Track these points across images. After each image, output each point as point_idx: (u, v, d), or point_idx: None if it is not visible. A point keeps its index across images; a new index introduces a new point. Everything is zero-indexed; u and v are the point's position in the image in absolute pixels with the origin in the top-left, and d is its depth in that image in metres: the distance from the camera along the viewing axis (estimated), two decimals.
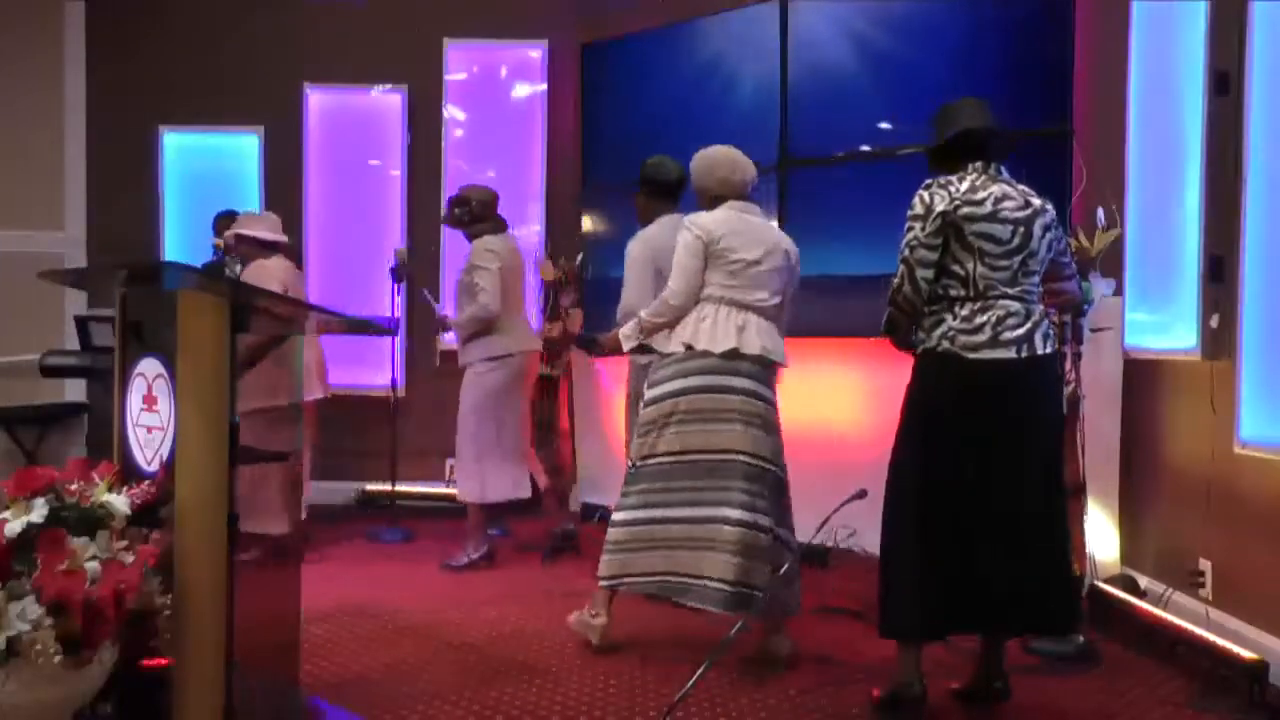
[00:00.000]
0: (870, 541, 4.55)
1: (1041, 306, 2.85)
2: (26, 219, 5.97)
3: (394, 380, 5.35)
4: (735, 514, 3.10)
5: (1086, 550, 3.80)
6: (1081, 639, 3.37)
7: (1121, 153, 3.89)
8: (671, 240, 3.37)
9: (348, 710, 2.82)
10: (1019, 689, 3.05)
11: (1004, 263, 2.75)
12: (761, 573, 3.07)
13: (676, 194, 3.99)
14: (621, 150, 5.67)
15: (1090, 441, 3.81)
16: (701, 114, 5.25)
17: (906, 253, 2.79)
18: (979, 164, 2.84)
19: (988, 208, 2.74)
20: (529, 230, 6.00)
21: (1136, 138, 3.85)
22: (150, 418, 2.34)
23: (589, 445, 5.93)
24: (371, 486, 5.84)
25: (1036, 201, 2.83)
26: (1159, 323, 3.76)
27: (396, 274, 5.17)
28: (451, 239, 5.98)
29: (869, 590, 4.07)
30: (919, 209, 2.79)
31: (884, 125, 4.63)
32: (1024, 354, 2.73)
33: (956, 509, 2.72)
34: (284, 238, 4.75)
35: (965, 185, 2.78)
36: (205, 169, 6.07)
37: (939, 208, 2.75)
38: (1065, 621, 2.91)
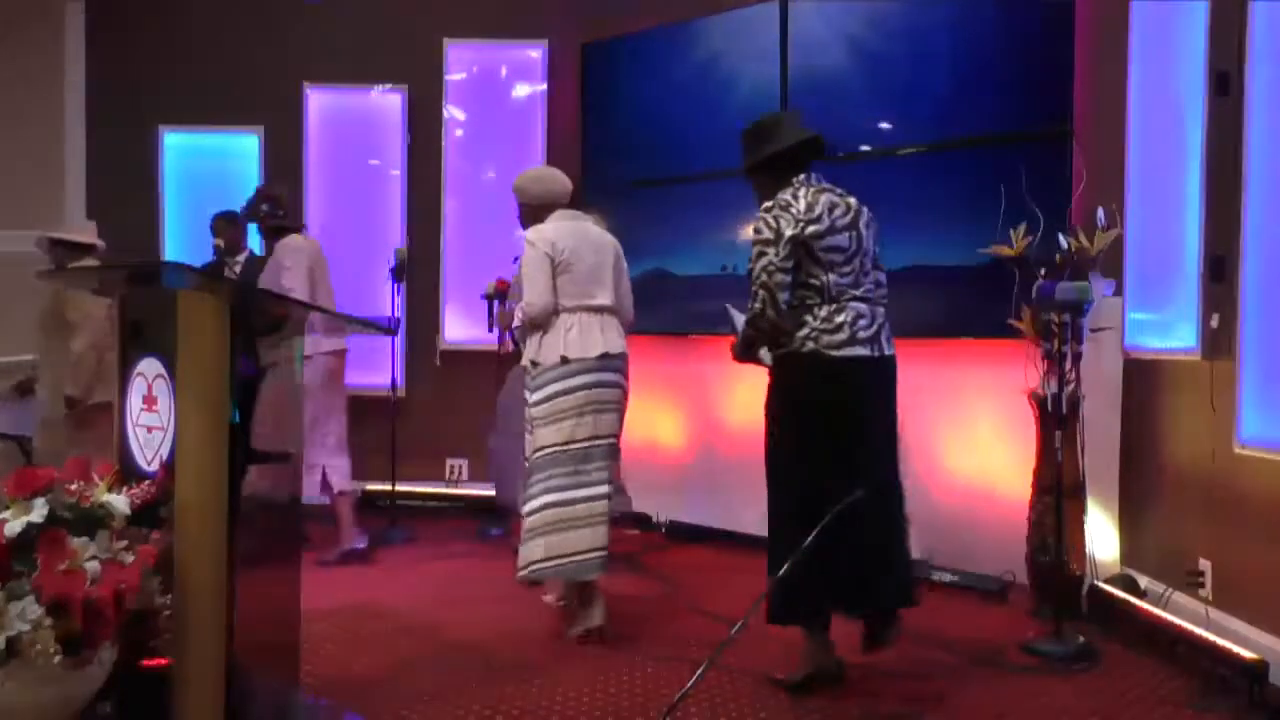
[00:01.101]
0: None
1: (883, 308, 3.09)
2: (26, 219, 5.96)
3: (394, 380, 5.35)
4: (603, 490, 3.55)
5: (1086, 550, 3.81)
6: (1081, 639, 3.37)
7: (1121, 153, 3.89)
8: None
9: (348, 710, 2.83)
10: (1020, 689, 3.06)
11: (848, 268, 3.02)
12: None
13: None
14: (621, 150, 5.67)
15: (1090, 441, 3.82)
16: (701, 114, 5.26)
17: (765, 278, 2.97)
18: (802, 176, 3.07)
19: (826, 223, 2.99)
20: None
21: (1136, 138, 3.85)
22: (150, 418, 2.34)
23: None
24: (371, 486, 5.84)
25: (853, 201, 3.09)
26: (1159, 323, 3.76)
27: (396, 274, 5.17)
28: (452, 239, 5.98)
29: None
30: (768, 234, 2.97)
31: (884, 125, 4.63)
32: (876, 353, 3.01)
33: (836, 496, 2.86)
34: (99, 242, 4.74)
35: (802, 204, 2.99)
36: (205, 169, 6.07)
37: (788, 232, 2.95)
38: (912, 597, 3.09)
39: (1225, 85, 3.28)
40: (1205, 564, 3.45)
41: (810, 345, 2.98)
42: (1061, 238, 3.80)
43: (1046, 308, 3.58)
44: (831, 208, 3.02)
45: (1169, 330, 3.68)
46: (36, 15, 6.07)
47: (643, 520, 5.37)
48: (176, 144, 6.10)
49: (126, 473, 2.35)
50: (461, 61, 6.02)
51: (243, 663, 2.27)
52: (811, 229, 2.96)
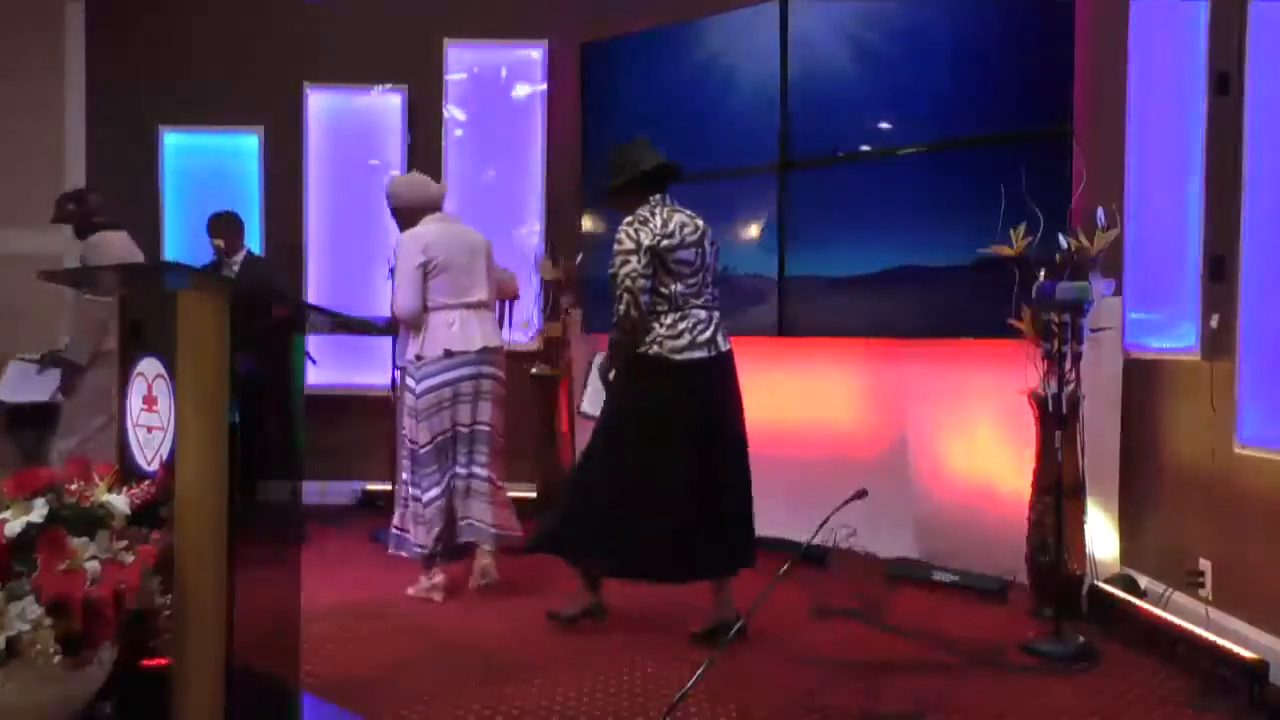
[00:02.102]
0: (870, 541, 4.59)
1: (719, 312, 3.54)
2: (27, 219, 5.96)
3: (394, 380, 5.35)
4: (484, 471, 4.03)
5: (1086, 550, 3.81)
6: (1081, 639, 3.38)
7: (1121, 153, 3.88)
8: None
9: (348, 710, 2.82)
10: (1020, 689, 3.06)
11: (693, 280, 3.46)
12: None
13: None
14: None
15: (1090, 441, 3.82)
16: (701, 114, 5.26)
17: (629, 283, 3.38)
18: (658, 196, 3.52)
19: (678, 238, 3.43)
20: (529, 230, 6.00)
21: (1136, 138, 3.85)
22: (150, 418, 2.34)
23: None
24: (371, 486, 5.84)
25: (700, 222, 3.54)
26: (1159, 322, 3.76)
27: (396, 274, 5.15)
28: None
29: (869, 590, 4.10)
30: (630, 245, 3.39)
31: (884, 126, 4.63)
32: (713, 353, 3.45)
33: (686, 478, 3.37)
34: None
35: (659, 220, 3.43)
36: (205, 169, 6.07)
37: (646, 243, 3.38)
38: (752, 559, 3.57)
39: (1225, 85, 3.28)
40: (1205, 564, 3.45)
41: (656, 349, 3.41)
42: (1061, 238, 3.80)
43: (1046, 308, 3.58)
44: (682, 226, 3.46)
45: (1169, 330, 3.68)
46: (36, 15, 6.07)
47: None
48: (176, 144, 6.10)
49: (126, 473, 2.35)
50: (461, 61, 6.02)
51: (243, 663, 2.27)
52: (665, 242, 3.39)
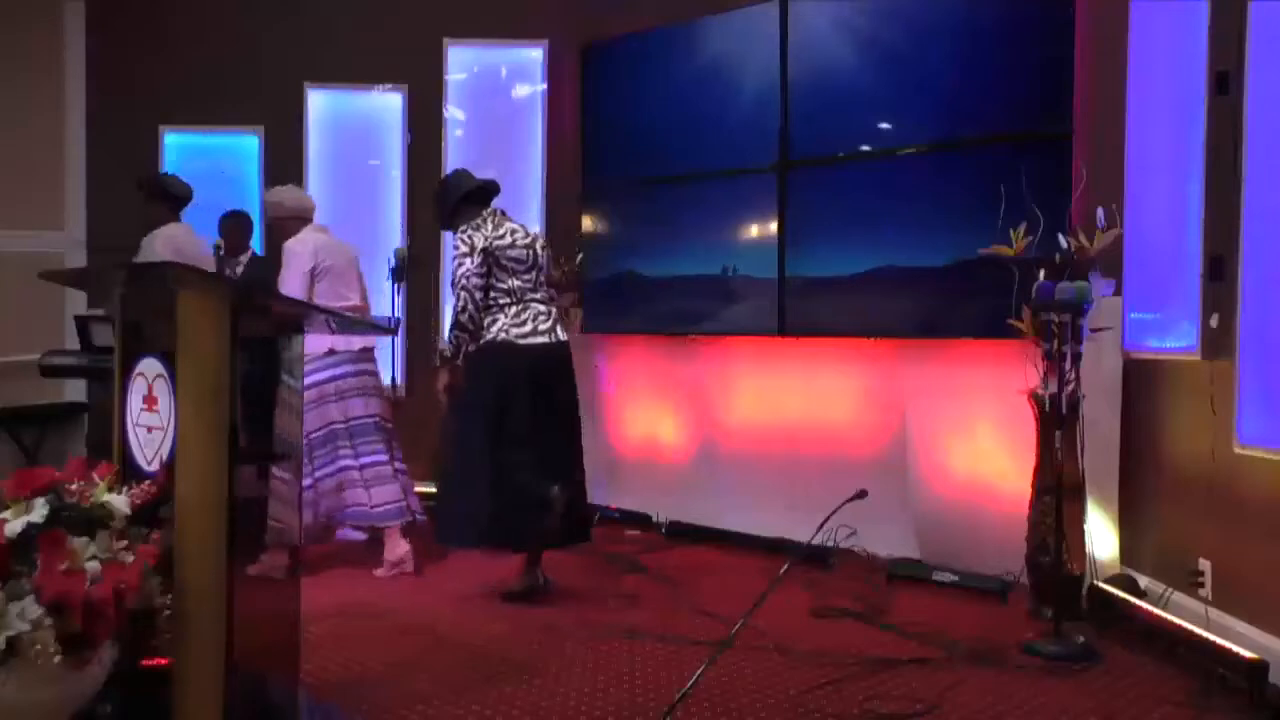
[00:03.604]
0: (870, 541, 4.59)
1: (556, 308, 4.07)
2: (26, 219, 5.96)
3: (394, 380, 5.35)
4: (382, 457, 4.39)
5: (1086, 550, 3.81)
6: (1081, 639, 3.38)
7: (1121, 153, 3.88)
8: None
9: (348, 710, 2.83)
10: (1020, 689, 3.06)
11: (528, 276, 3.98)
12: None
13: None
14: (621, 150, 5.67)
15: (1090, 441, 3.82)
16: (701, 114, 5.26)
17: (465, 282, 3.86)
18: (488, 210, 4.04)
19: (508, 240, 3.97)
20: None
21: (1136, 138, 3.85)
22: (150, 418, 2.34)
23: (589, 445, 5.92)
24: None
25: (534, 230, 4.23)
26: (1159, 323, 3.76)
27: (396, 274, 5.17)
28: (452, 239, 5.97)
29: (870, 590, 4.11)
30: (465, 248, 3.89)
31: (884, 126, 4.63)
32: (553, 340, 3.97)
33: (531, 453, 3.82)
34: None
35: (490, 226, 3.96)
36: (205, 169, 6.06)
37: (480, 245, 3.89)
38: (589, 534, 4.13)
39: (1225, 85, 3.28)
40: (1205, 564, 3.45)
41: (503, 336, 3.87)
42: (1061, 238, 3.80)
43: (1046, 308, 3.58)
44: (512, 231, 4.00)
45: (1169, 330, 3.68)
46: (36, 15, 6.07)
47: (643, 520, 5.37)
48: (176, 144, 6.10)
49: (126, 473, 2.35)
50: (461, 61, 6.02)
51: (243, 663, 2.27)
52: (497, 243, 3.92)
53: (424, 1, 6.02)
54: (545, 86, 5.96)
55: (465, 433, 3.92)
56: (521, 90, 6.03)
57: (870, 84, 4.65)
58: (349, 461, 4.35)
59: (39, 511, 2.04)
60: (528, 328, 3.90)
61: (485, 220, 3.97)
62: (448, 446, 4.04)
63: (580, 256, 5.81)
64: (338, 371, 4.32)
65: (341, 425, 4.36)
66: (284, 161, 5.97)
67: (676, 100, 5.37)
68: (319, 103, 6.05)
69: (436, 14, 5.97)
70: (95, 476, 2.21)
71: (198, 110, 6.02)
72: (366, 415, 4.39)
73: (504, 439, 3.83)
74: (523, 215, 5.94)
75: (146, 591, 2.11)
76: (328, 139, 6.06)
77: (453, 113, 6.01)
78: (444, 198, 4.11)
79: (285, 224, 4.46)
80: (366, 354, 4.43)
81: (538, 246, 4.05)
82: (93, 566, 2.03)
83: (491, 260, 3.89)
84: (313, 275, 4.30)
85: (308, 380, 4.11)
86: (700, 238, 5.30)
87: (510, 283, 3.92)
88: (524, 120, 6.01)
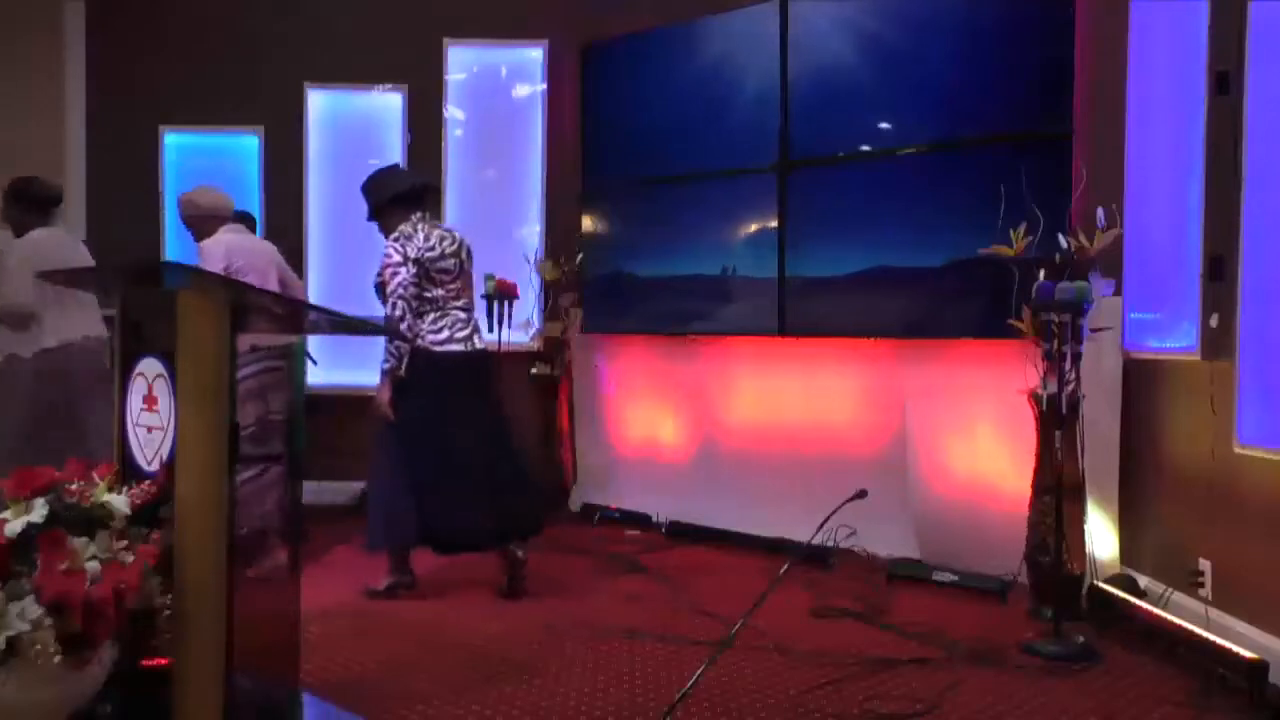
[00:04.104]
0: (870, 541, 4.59)
1: (474, 315, 4.11)
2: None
3: None
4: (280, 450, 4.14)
5: (1086, 550, 3.81)
6: (1081, 639, 3.38)
7: (1121, 153, 3.89)
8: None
9: (348, 710, 2.82)
10: (1020, 689, 3.06)
11: (453, 285, 4.02)
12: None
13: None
14: (621, 150, 5.68)
15: (1090, 441, 3.82)
16: (701, 114, 5.26)
17: (401, 291, 3.90)
18: (418, 214, 4.02)
19: (438, 250, 3.97)
20: (529, 230, 6.01)
21: (1136, 138, 3.86)
22: (150, 418, 2.34)
23: (589, 445, 5.94)
24: None
25: (458, 236, 4.09)
26: (1159, 323, 3.76)
27: None
28: None
29: (870, 590, 4.11)
30: (398, 259, 3.92)
31: (884, 125, 4.63)
32: (469, 348, 4.02)
33: (453, 457, 3.90)
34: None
35: (421, 237, 3.96)
36: (205, 169, 6.06)
37: (413, 256, 3.92)
38: (541, 525, 4.16)
39: (1225, 85, 3.28)
40: (1205, 564, 3.45)
41: (421, 343, 3.93)
42: (1061, 238, 3.80)
43: (1046, 308, 3.58)
44: (441, 239, 4.00)
45: (1169, 330, 3.68)
46: (36, 15, 6.07)
47: (643, 520, 5.37)
48: (176, 144, 6.10)
49: (126, 473, 2.35)
50: (461, 61, 6.02)
51: (243, 663, 2.27)
52: (428, 254, 3.93)
53: (424, 1, 6.02)
54: (545, 86, 5.97)
55: (387, 439, 3.96)
56: (521, 90, 6.03)
57: (870, 84, 4.66)
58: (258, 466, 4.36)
59: (39, 511, 2.04)
60: (444, 335, 3.97)
61: (416, 229, 3.97)
62: (374, 453, 4.04)
63: (580, 256, 5.81)
64: (262, 366, 4.32)
65: (266, 422, 4.37)
66: (284, 161, 5.97)
67: (676, 100, 5.37)
68: (319, 103, 6.05)
69: (436, 14, 5.97)
70: (95, 476, 2.21)
71: (198, 110, 6.02)
72: (272, 412, 4.42)
73: (422, 444, 3.90)
74: (523, 215, 5.99)
75: (146, 591, 2.11)
76: (328, 139, 6.06)
77: (453, 113, 6.01)
78: (373, 193, 4.09)
79: (200, 224, 4.43)
80: (286, 350, 4.47)
81: (463, 254, 4.08)
82: (93, 566, 2.03)
83: (422, 270, 3.94)
84: (228, 275, 4.21)
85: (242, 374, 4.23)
86: (700, 238, 5.30)
87: (435, 292, 3.97)
88: (524, 120, 6.01)
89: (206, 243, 4.35)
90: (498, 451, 4.04)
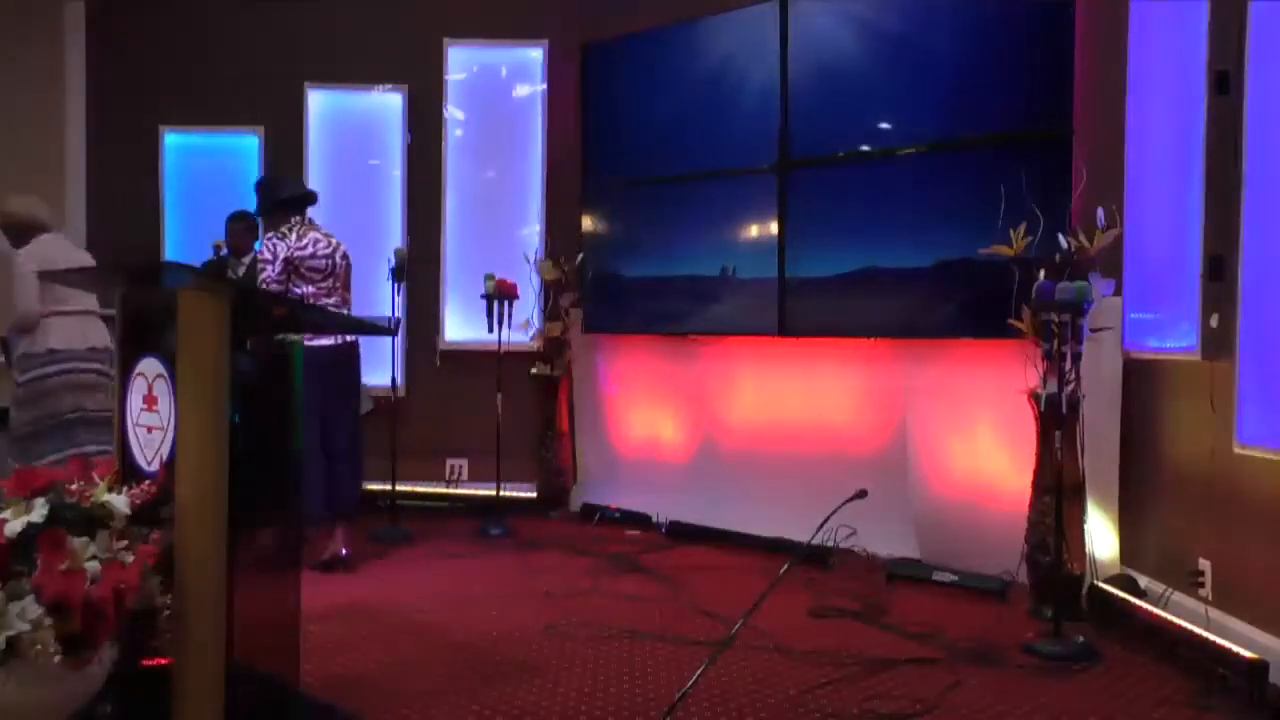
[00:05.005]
0: (870, 541, 4.59)
1: (346, 310, 4.47)
2: None
3: (394, 380, 5.35)
4: (94, 449, 4.33)
5: (1086, 550, 3.81)
6: (1081, 639, 3.38)
7: (1121, 153, 3.89)
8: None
9: (348, 710, 2.82)
10: (1020, 689, 3.06)
11: (324, 284, 4.39)
12: None
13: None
14: (621, 150, 5.68)
15: (1090, 441, 3.82)
16: (701, 114, 5.26)
17: (266, 287, 4.19)
18: (298, 218, 4.41)
19: (310, 250, 4.35)
20: (529, 230, 6.01)
21: (1136, 138, 3.85)
22: (150, 418, 2.34)
23: (589, 445, 5.94)
24: (371, 486, 5.84)
25: (335, 240, 4.47)
26: (1159, 323, 3.76)
27: (396, 274, 5.17)
28: (452, 239, 5.98)
29: (870, 590, 4.11)
30: (269, 256, 4.28)
31: (884, 125, 4.63)
32: (338, 342, 4.38)
33: (317, 441, 4.30)
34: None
35: (294, 236, 4.34)
36: (205, 169, 6.07)
37: (282, 255, 4.29)
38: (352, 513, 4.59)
39: (1225, 85, 3.28)
40: (1205, 564, 3.45)
41: (293, 336, 4.21)
42: (1061, 238, 3.80)
43: (1046, 308, 3.58)
44: (315, 241, 4.38)
45: (1169, 330, 3.68)
46: (36, 15, 6.07)
47: (643, 520, 5.37)
48: (176, 144, 6.10)
49: (126, 473, 2.35)
50: (461, 61, 6.02)
51: (243, 663, 2.27)
52: (299, 253, 4.31)
53: (424, 1, 6.02)
54: (545, 86, 5.96)
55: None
56: (521, 90, 6.03)
57: (871, 83, 4.66)
58: (92, 448, 4.36)
59: (39, 511, 2.04)
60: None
61: (291, 229, 4.35)
62: None
63: (580, 256, 5.81)
64: (61, 367, 4.37)
65: (63, 419, 4.38)
66: (284, 161, 5.97)
67: (676, 100, 5.37)
68: (319, 103, 6.05)
69: (436, 14, 5.97)
70: (95, 476, 2.21)
71: (198, 110, 6.02)
72: (102, 409, 4.43)
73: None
74: (523, 215, 5.99)
75: (146, 591, 2.12)
76: (328, 139, 6.06)
77: (453, 113, 6.01)
78: (263, 195, 4.50)
79: (16, 232, 4.42)
80: (97, 353, 4.45)
81: (338, 256, 4.46)
82: (93, 566, 2.03)
83: (291, 268, 4.29)
84: (39, 283, 4.28)
85: (26, 377, 4.33)
86: (701, 238, 5.30)
87: (305, 289, 4.32)
88: (524, 120, 6.01)
89: (24, 250, 4.35)
90: (347, 439, 4.49)
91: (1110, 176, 3.91)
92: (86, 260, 4.54)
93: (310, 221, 4.45)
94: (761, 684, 3.08)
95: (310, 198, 4.54)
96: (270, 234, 4.36)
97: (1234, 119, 3.21)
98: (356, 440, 4.58)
